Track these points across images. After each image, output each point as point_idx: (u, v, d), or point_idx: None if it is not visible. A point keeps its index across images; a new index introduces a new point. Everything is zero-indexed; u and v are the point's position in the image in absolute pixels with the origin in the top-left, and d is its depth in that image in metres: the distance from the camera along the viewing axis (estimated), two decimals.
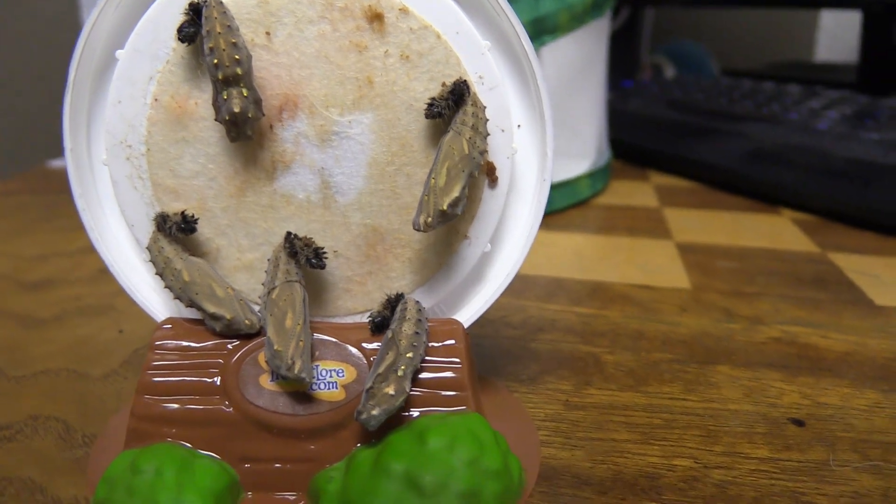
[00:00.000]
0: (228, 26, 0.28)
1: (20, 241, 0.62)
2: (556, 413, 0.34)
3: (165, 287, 0.30)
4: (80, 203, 0.32)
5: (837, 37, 1.35)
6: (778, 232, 0.65)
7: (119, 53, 0.29)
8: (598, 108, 0.72)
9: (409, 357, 0.28)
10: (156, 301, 0.33)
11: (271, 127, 0.30)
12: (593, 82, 0.70)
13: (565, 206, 0.70)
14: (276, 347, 0.28)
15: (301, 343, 0.28)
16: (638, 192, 0.79)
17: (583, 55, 0.66)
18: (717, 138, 0.79)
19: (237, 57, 0.28)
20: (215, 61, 0.27)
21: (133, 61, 0.29)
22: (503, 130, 0.31)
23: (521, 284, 0.51)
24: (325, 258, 0.30)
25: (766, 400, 0.36)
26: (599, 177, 0.74)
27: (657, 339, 0.42)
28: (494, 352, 0.40)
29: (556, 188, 0.68)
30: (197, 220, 0.30)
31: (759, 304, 0.48)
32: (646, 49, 1.28)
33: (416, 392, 0.28)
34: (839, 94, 0.78)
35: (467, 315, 0.33)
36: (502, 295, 0.33)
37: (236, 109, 0.28)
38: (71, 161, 0.31)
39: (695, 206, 0.74)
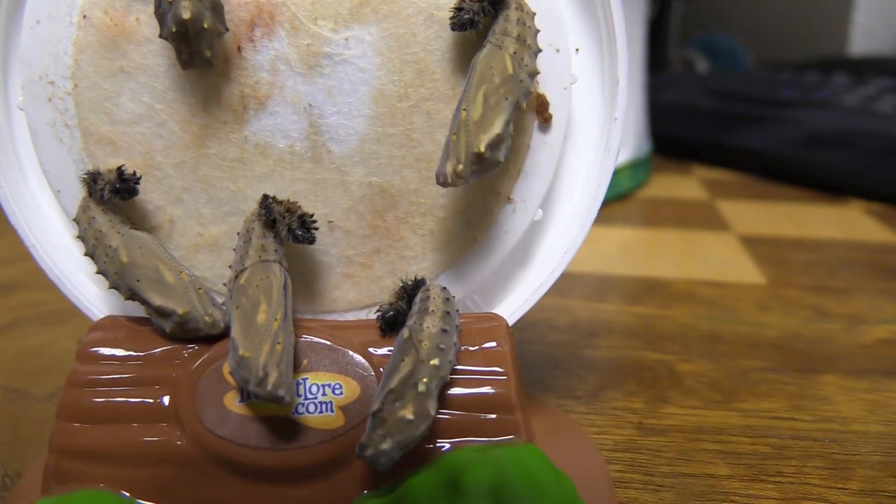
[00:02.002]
0: None
1: None
2: (628, 440, 0.28)
3: (97, 272, 0.22)
4: None
5: (872, 30, 1.30)
6: (850, 221, 0.61)
7: None
8: (637, 91, 0.66)
9: (435, 365, 0.20)
10: (94, 293, 0.25)
11: (239, 49, 0.22)
12: (631, 60, 0.62)
13: (606, 198, 0.63)
14: (241, 352, 0.19)
15: (278, 346, 0.20)
16: (682, 185, 0.76)
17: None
18: (765, 125, 0.76)
19: None
20: None
21: None
22: (558, 50, 0.22)
23: (564, 281, 0.45)
24: (315, 229, 0.22)
25: None
26: (641, 168, 0.69)
27: (739, 343, 0.37)
28: (539, 361, 0.35)
29: None
30: (139, 178, 0.22)
31: (853, 300, 0.43)
32: (675, 43, 1.24)
33: (445, 415, 0.21)
34: (892, 82, 0.74)
35: (511, 308, 0.24)
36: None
37: (185, 16, 0.20)
38: None
39: (749, 197, 0.70)
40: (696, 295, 0.43)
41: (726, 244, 0.54)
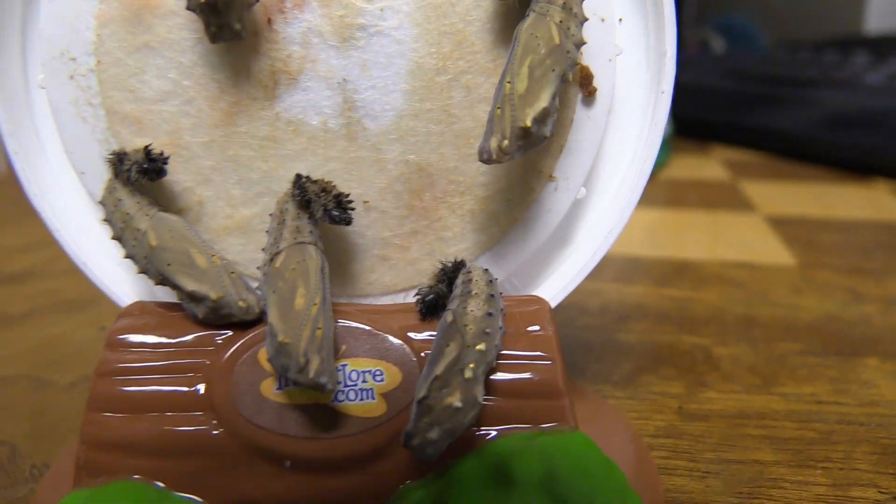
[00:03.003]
0: None
1: (3, 232, 0.58)
2: (669, 426, 0.28)
3: (126, 256, 0.21)
4: (10, 143, 0.23)
5: (888, 8, 1.28)
6: (877, 201, 0.60)
7: None
8: None
9: (481, 350, 0.19)
10: (121, 279, 0.24)
11: (270, 21, 0.21)
12: None
13: None
14: (281, 339, 0.18)
15: (319, 332, 0.19)
16: (703, 166, 0.74)
17: None
18: (786, 106, 0.75)
19: None
20: None
21: None
22: (603, 20, 0.21)
23: None
24: (352, 209, 0.21)
25: None
26: (662, 149, 0.67)
27: (775, 326, 0.36)
28: (572, 346, 0.34)
29: None
30: (167, 158, 0.21)
31: (890, 282, 0.42)
32: (690, 23, 1.23)
33: (490, 401, 0.21)
34: None
35: (552, 291, 0.23)
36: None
37: None
38: None
39: (772, 177, 0.70)
40: (726, 277, 0.42)
41: (753, 225, 0.53)
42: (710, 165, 0.73)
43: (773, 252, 0.47)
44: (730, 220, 0.54)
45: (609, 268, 0.43)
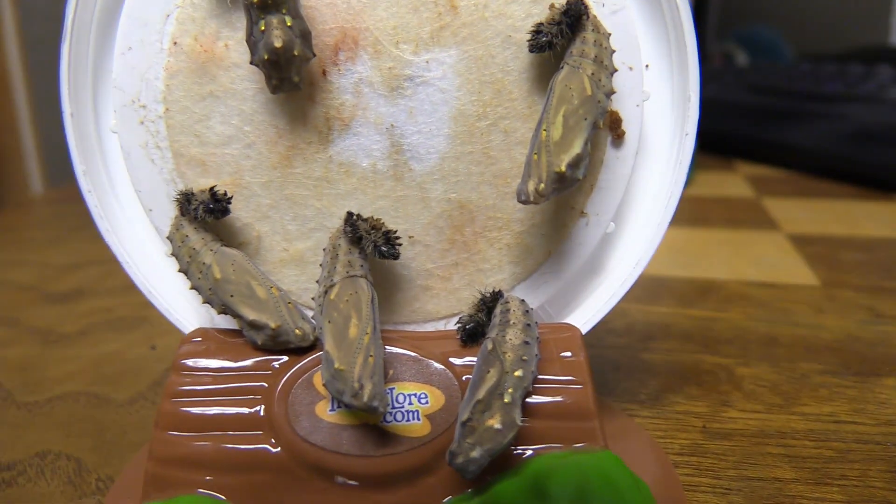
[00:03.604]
0: None
1: (52, 251, 0.59)
2: (693, 444, 0.29)
3: (192, 288, 0.23)
4: (83, 183, 0.25)
5: None
6: None
7: None
8: None
9: (519, 376, 0.21)
10: (184, 307, 0.26)
11: (324, 73, 0.23)
12: None
13: None
14: (337, 366, 0.20)
15: (371, 359, 0.20)
16: (727, 183, 0.75)
17: None
18: (810, 121, 0.74)
19: None
20: None
21: None
22: (631, 69, 0.23)
23: None
24: (399, 245, 0.22)
25: None
26: None
27: (797, 346, 0.37)
28: (600, 365, 0.36)
29: None
30: (230, 198, 0.23)
31: None
32: (713, 36, 1.22)
33: (527, 423, 0.22)
34: None
35: (583, 318, 0.25)
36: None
37: (277, 45, 0.21)
38: (72, 130, 0.25)
39: (796, 194, 0.69)
40: (750, 297, 0.43)
41: (776, 244, 0.53)
42: (733, 182, 0.74)
43: (796, 271, 0.47)
44: (753, 238, 0.55)
45: (635, 288, 0.44)
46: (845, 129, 0.70)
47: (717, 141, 0.84)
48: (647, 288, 0.45)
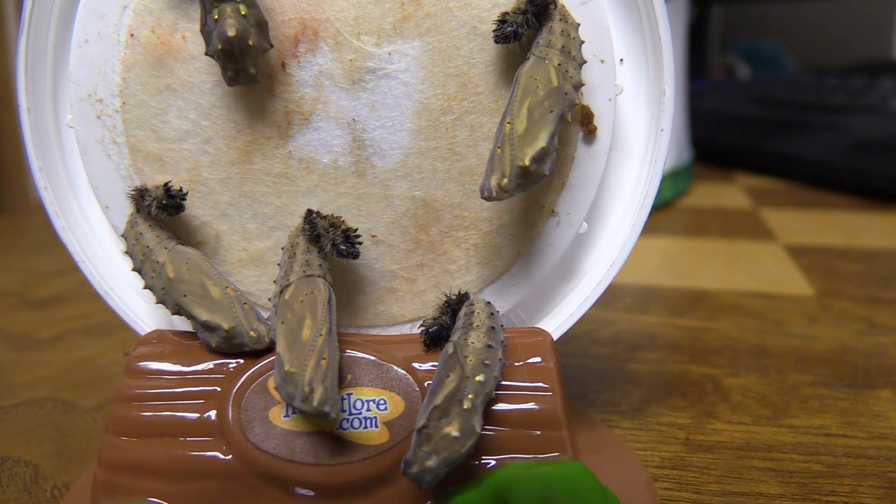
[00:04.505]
0: None
1: (38, 257, 0.59)
2: (675, 457, 0.28)
3: (145, 287, 0.23)
4: (40, 179, 0.24)
5: None
6: None
7: None
8: (678, 98, 0.64)
9: (480, 381, 0.20)
10: (143, 308, 0.25)
11: (283, 65, 0.22)
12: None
13: None
14: (287, 368, 0.19)
15: (324, 362, 0.19)
16: (725, 193, 0.74)
17: None
18: (810, 132, 0.74)
19: None
20: None
21: None
22: (603, 61, 0.22)
23: (606, 293, 0.44)
24: (359, 244, 0.21)
25: None
26: (682, 177, 0.68)
27: (788, 357, 0.36)
28: (582, 375, 0.34)
29: None
30: (185, 194, 0.22)
31: None
32: (715, 49, 1.22)
33: (490, 431, 0.21)
34: None
35: (555, 323, 0.24)
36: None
37: (231, 33, 0.20)
38: (28, 125, 0.24)
39: (794, 205, 0.69)
40: (742, 307, 0.42)
41: (772, 254, 0.52)
42: (732, 193, 0.73)
43: (791, 281, 0.46)
44: (749, 248, 0.54)
45: (624, 297, 0.43)
46: (847, 140, 0.70)
47: (717, 152, 0.84)
48: (636, 297, 0.44)
